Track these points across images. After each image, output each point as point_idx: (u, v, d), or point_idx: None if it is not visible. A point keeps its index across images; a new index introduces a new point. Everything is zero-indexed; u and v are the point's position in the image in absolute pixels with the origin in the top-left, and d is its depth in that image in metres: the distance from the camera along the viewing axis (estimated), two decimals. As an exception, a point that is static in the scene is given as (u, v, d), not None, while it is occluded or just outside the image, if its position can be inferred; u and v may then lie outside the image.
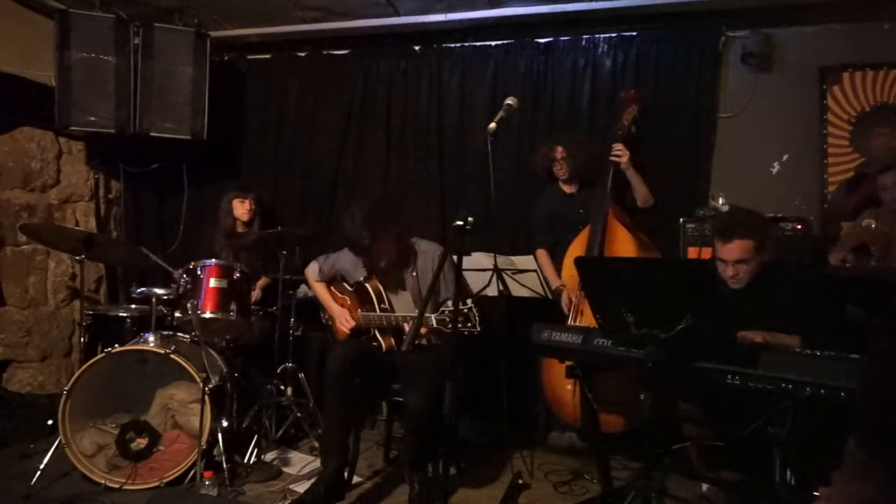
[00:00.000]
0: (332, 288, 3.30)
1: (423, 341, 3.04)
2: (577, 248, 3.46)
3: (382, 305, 3.03)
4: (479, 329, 2.50)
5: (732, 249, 2.52)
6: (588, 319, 3.23)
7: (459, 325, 2.47)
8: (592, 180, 3.62)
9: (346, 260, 3.20)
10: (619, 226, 3.39)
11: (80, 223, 4.43)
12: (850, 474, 0.91)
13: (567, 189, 3.73)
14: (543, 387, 3.46)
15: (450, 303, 2.54)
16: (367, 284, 3.07)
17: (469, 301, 2.55)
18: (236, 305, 3.36)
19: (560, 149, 3.63)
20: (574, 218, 3.60)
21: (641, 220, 3.70)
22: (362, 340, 3.08)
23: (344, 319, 3.12)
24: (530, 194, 3.97)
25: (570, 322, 3.32)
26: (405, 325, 2.90)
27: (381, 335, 3.02)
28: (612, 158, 3.46)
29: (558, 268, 3.56)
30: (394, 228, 2.91)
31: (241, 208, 4.07)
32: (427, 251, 3.07)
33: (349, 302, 3.20)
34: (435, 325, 2.67)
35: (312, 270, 3.32)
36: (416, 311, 2.83)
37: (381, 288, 3.07)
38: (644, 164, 3.62)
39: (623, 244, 3.35)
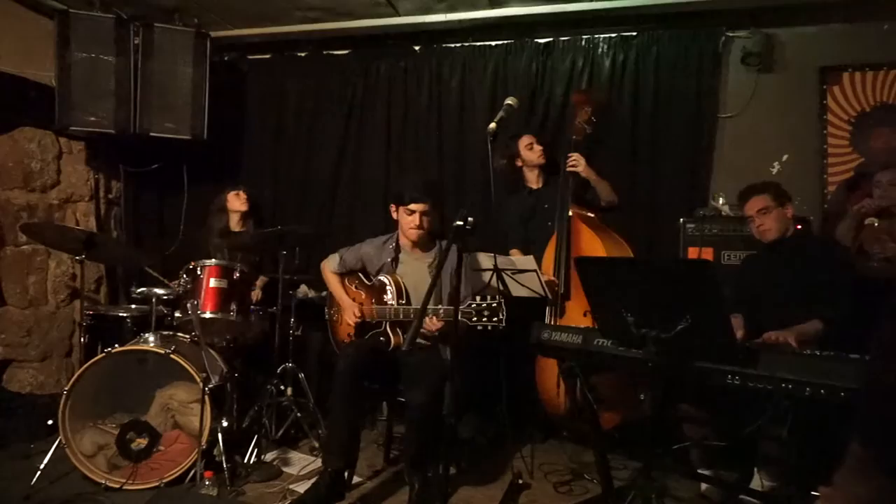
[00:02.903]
0: (345, 282, 3.32)
1: (427, 340, 3.05)
2: (548, 258, 3.49)
3: (401, 301, 3.04)
4: (504, 324, 2.53)
5: (752, 204, 2.87)
6: (566, 319, 3.26)
7: (485, 318, 2.52)
8: (556, 171, 3.67)
9: (371, 245, 3.29)
10: (584, 227, 3.42)
11: (80, 223, 4.43)
12: (852, 474, 0.91)
13: (535, 183, 3.78)
14: (536, 389, 3.46)
15: (479, 298, 2.59)
16: (387, 278, 3.10)
17: (498, 296, 2.59)
18: (236, 305, 3.36)
19: (531, 136, 3.75)
20: (545, 214, 3.64)
21: (637, 219, 3.72)
22: (370, 337, 3.09)
23: (352, 312, 3.15)
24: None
25: (547, 321, 3.34)
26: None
27: (391, 330, 3.04)
28: (568, 169, 3.49)
29: None
30: (440, 202, 3.07)
31: (237, 201, 4.12)
32: (453, 253, 3.09)
33: (363, 296, 3.23)
34: (461, 317, 2.67)
35: (332, 262, 3.35)
36: (434, 305, 2.88)
37: (402, 283, 3.09)
38: (602, 167, 3.66)
39: (588, 244, 3.37)
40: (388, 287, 3.08)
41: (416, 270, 3.15)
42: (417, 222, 3.04)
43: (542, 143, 3.77)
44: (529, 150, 3.74)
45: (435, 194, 3.06)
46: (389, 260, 3.20)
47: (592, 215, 3.54)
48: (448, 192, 4.30)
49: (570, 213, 3.45)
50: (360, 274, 3.33)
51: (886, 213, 3.12)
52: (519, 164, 3.79)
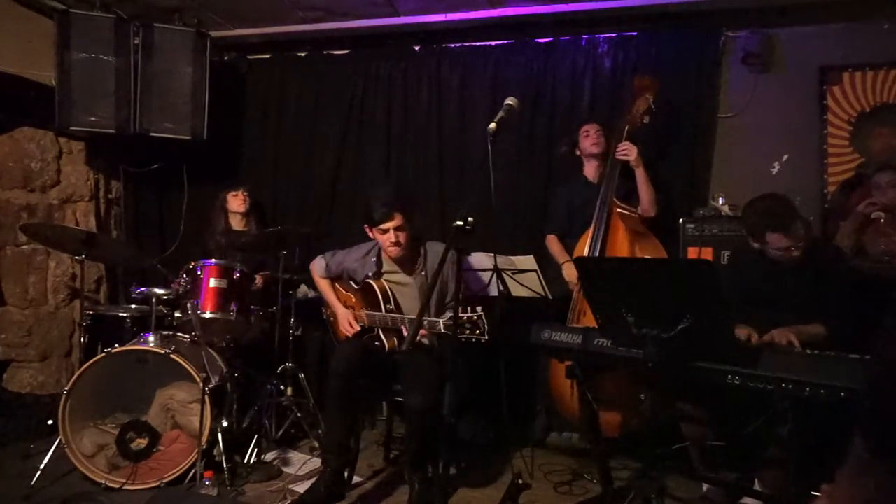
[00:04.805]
0: (336, 285, 3.29)
1: (426, 340, 3.03)
2: (580, 250, 3.46)
3: (388, 306, 3.02)
4: (486, 337, 2.48)
5: (795, 234, 2.60)
6: (589, 320, 3.23)
7: (468, 332, 2.47)
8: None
9: (353, 258, 3.21)
10: (623, 227, 3.36)
11: (80, 223, 4.42)
12: (854, 472, 0.91)
13: (592, 175, 3.67)
14: (550, 387, 3.45)
15: (459, 310, 2.48)
16: (373, 283, 3.05)
17: (479, 308, 2.53)
18: (236, 305, 3.36)
19: (595, 125, 3.66)
20: (591, 211, 3.52)
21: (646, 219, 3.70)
22: (365, 339, 3.08)
23: (347, 322, 3.09)
24: (531, 194, 4.00)
25: (571, 322, 3.32)
26: (405, 327, 2.90)
27: (384, 335, 3.02)
28: (618, 157, 3.42)
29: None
30: (411, 210, 2.94)
31: (236, 201, 4.11)
32: (438, 252, 3.03)
33: (354, 300, 3.20)
34: (442, 330, 2.65)
35: (318, 266, 3.28)
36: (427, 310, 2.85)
37: (387, 287, 3.06)
38: (656, 164, 3.59)
39: (622, 247, 3.33)
40: (376, 292, 3.04)
41: (401, 279, 3.12)
42: (394, 239, 2.95)
43: (605, 134, 3.64)
44: (585, 137, 3.65)
45: (402, 203, 2.95)
46: (371, 274, 3.13)
47: (635, 215, 3.44)
48: (448, 192, 4.31)
49: (611, 209, 3.36)
50: (349, 277, 3.29)
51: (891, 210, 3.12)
52: (578, 152, 3.73)
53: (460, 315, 2.47)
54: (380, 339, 3.02)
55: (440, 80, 4.34)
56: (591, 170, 3.69)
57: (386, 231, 2.95)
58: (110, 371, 3.13)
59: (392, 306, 3.02)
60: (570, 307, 3.37)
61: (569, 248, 3.61)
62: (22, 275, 4.11)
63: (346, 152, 4.55)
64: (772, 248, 2.65)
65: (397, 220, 2.93)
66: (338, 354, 2.95)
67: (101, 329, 3.66)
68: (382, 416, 3.88)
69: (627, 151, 3.40)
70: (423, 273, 3.08)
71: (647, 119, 3.48)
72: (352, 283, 3.25)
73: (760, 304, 2.70)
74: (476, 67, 4.28)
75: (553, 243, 3.68)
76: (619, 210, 3.41)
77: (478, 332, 2.48)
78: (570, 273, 3.42)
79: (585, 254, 3.37)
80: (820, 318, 2.53)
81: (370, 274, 3.13)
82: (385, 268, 3.15)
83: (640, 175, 3.45)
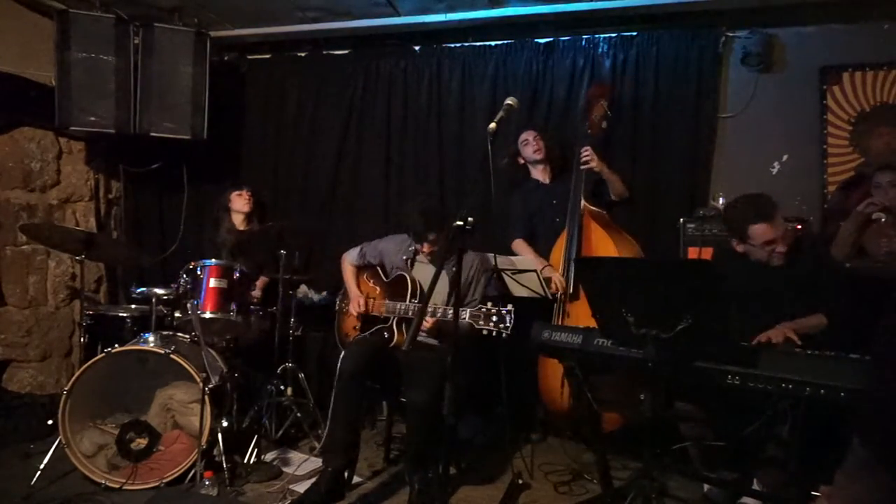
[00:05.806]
0: (364, 277, 3.36)
1: (429, 339, 3.05)
2: (556, 254, 3.48)
3: (413, 299, 3.04)
4: (509, 333, 2.54)
5: (778, 226, 2.58)
6: (573, 320, 3.24)
7: (491, 324, 2.55)
8: (567, 167, 3.66)
9: (390, 245, 3.31)
10: (596, 226, 3.41)
11: (80, 223, 4.43)
12: (853, 473, 0.91)
13: (542, 177, 3.78)
14: (539, 389, 3.46)
15: (490, 304, 2.62)
16: (406, 276, 3.10)
17: (510, 305, 2.60)
18: (236, 305, 3.36)
19: (532, 132, 3.76)
20: (552, 210, 3.64)
21: (637, 219, 3.72)
22: (374, 332, 3.11)
23: (357, 302, 3.19)
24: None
25: (553, 322, 3.33)
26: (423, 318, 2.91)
27: (397, 327, 3.05)
28: (582, 166, 3.49)
29: None
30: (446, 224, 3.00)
31: (240, 201, 4.12)
32: (467, 257, 3.09)
33: (377, 291, 3.25)
34: (467, 318, 2.67)
35: (352, 254, 3.40)
36: (444, 305, 2.91)
37: (417, 281, 3.10)
38: (617, 161, 3.70)
39: (600, 245, 3.36)
40: (406, 284, 3.09)
41: (431, 273, 3.13)
42: (429, 249, 3.09)
43: (544, 138, 3.77)
44: (525, 146, 3.76)
45: (438, 224, 3.03)
46: (405, 258, 3.23)
47: (604, 213, 3.52)
48: (448, 192, 4.31)
49: (582, 211, 3.43)
50: (378, 269, 3.34)
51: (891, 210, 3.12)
52: (521, 161, 3.81)
53: (490, 307, 2.57)
54: (391, 331, 3.05)
55: (440, 80, 4.34)
56: (538, 173, 3.81)
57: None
58: (110, 371, 3.13)
59: (417, 300, 3.04)
60: (554, 310, 3.38)
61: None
62: (22, 275, 4.11)
63: (346, 152, 4.55)
64: (756, 245, 2.62)
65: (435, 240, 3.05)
66: (346, 355, 2.96)
67: (101, 329, 3.66)
68: (382, 416, 3.88)
69: (589, 158, 3.49)
70: (453, 269, 3.08)
71: (605, 125, 3.55)
72: (381, 276, 3.29)
73: (757, 302, 2.69)
74: (476, 67, 4.28)
75: (522, 246, 3.68)
76: (589, 209, 3.47)
77: (501, 325, 2.55)
78: (556, 277, 3.41)
79: (560, 261, 3.43)
80: (817, 309, 2.54)
81: (405, 258, 3.22)
82: (419, 257, 3.23)
83: (606, 174, 3.57)
